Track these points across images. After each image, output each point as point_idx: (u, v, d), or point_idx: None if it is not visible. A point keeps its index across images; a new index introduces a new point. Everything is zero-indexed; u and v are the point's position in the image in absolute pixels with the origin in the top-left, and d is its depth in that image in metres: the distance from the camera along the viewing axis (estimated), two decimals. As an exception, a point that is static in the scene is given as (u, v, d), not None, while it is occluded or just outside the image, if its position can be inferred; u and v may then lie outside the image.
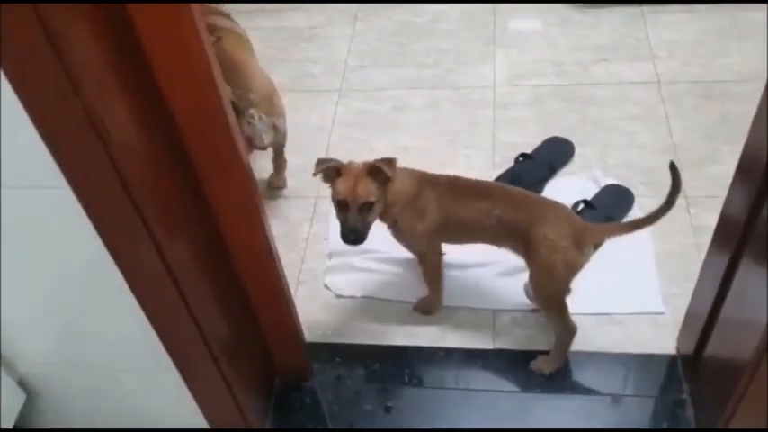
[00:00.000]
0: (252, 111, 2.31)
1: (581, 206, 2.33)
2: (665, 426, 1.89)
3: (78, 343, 1.78)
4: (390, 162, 1.86)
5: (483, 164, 2.62)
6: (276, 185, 2.68)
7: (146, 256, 1.44)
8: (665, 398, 1.95)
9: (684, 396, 1.94)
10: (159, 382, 1.81)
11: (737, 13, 3.02)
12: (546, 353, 2.05)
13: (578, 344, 2.02)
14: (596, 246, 1.87)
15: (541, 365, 2.04)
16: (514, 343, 2.12)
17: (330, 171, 1.88)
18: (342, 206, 1.88)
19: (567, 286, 1.89)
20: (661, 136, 2.62)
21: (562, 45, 3.05)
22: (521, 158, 2.55)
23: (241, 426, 1.92)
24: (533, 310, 2.15)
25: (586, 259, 1.85)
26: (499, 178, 2.51)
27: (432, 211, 1.97)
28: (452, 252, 2.20)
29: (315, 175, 1.88)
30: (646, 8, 3.11)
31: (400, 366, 2.11)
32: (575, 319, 1.96)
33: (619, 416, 1.96)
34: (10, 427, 1.88)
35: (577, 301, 1.97)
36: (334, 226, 2.46)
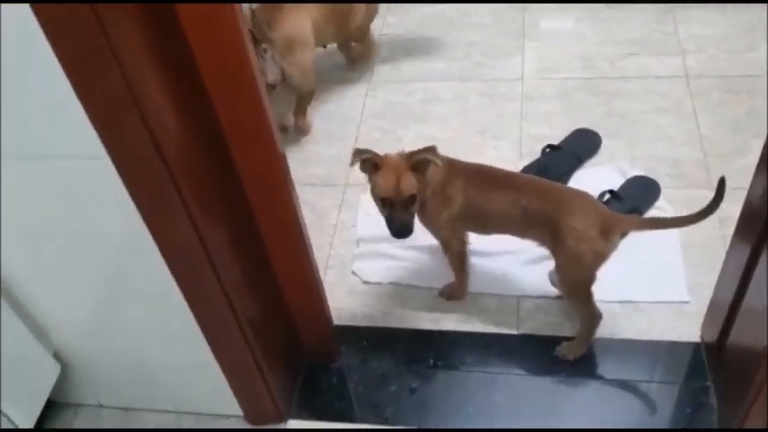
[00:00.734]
0: (265, 46, 2.46)
1: (607, 196, 2.34)
2: (688, 411, 1.90)
3: (112, 316, 1.83)
4: (433, 151, 1.87)
5: (511, 155, 2.64)
6: (296, 127, 2.81)
7: (181, 230, 1.49)
8: (689, 385, 1.96)
9: (708, 383, 1.95)
10: (190, 355, 1.85)
11: (765, 9, 3.02)
12: (570, 339, 2.07)
13: (603, 331, 2.04)
14: (623, 235, 1.88)
15: (566, 351, 2.06)
16: (539, 329, 2.15)
17: (368, 163, 1.90)
18: (386, 203, 1.90)
19: (593, 275, 1.90)
20: (688, 129, 2.63)
21: (591, 39, 3.07)
22: (548, 150, 2.57)
23: (268, 402, 1.96)
24: (558, 297, 2.17)
25: (613, 249, 1.85)
26: (526, 169, 2.53)
27: (458, 199, 1.99)
28: (477, 240, 2.23)
29: (352, 165, 1.90)
30: (675, 5, 3.12)
31: (425, 350, 2.14)
32: (599, 306, 1.98)
33: (643, 402, 1.97)
34: (46, 397, 1.94)
35: (602, 289, 1.98)
36: (363, 213, 2.53)
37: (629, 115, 2.73)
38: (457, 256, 2.16)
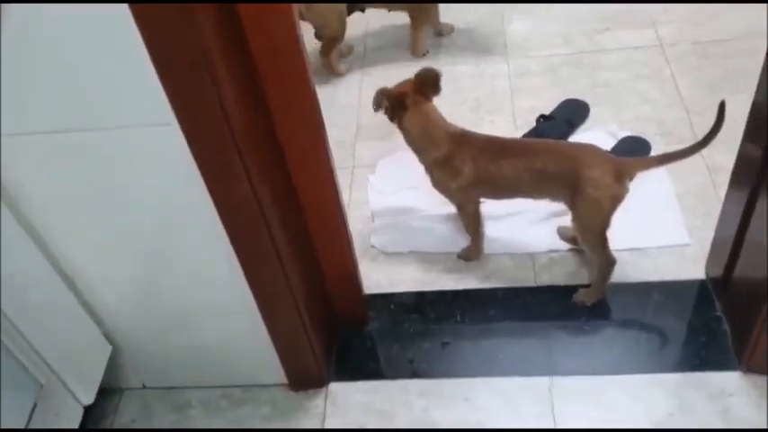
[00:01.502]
0: None
1: (604, 156, 2.49)
2: (703, 340, 2.05)
3: (164, 294, 1.90)
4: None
5: (506, 127, 2.79)
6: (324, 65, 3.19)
7: (242, 197, 1.57)
8: (701, 316, 2.11)
9: (719, 313, 2.10)
10: (237, 324, 1.92)
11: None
12: (586, 286, 2.21)
13: (614, 277, 2.17)
14: (631, 178, 2.03)
15: (583, 297, 2.19)
16: (555, 280, 2.28)
17: (394, 101, 2.15)
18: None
19: (610, 221, 2.04)
20: (669, 93, 2.82)
21: (567, 18, 3.26)
22: (541, 119, 2.73)
23: (313, 367, 2.06)
24: (570, 250, 2.32)
25: (627, 192, 2.00)
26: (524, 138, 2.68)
27: (466, 171, 2.13)
28: (483, 207, 2.34)
29: (376, 111, 2.14)
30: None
31: (452, 308, 2.26)
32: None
33: (661, 336, 2.11)
34: (101, 377, 2.00)
35: (611, 239, 2.11)
36: (374, 192, 2.65)
37: (613, 84, 2.90)
38: (472, 217, 2.29)
